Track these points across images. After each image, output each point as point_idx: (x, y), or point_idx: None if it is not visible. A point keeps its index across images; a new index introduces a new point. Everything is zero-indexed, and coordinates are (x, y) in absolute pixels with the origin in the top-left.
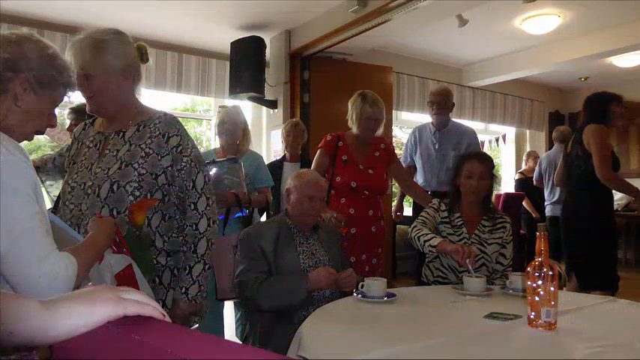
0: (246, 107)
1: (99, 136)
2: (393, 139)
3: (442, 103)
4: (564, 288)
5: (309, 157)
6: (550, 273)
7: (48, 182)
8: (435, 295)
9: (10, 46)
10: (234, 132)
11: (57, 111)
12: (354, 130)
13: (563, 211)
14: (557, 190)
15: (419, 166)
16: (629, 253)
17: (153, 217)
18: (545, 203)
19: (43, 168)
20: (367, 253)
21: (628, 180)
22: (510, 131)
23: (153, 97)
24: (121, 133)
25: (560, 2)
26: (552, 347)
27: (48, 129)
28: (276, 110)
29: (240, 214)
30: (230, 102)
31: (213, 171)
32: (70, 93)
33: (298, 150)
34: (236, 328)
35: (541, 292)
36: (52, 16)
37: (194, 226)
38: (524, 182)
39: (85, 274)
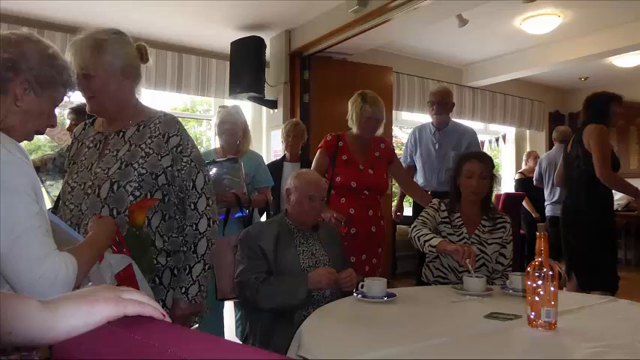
0: (246, 107)
1: (99, 136)
2: (393, 139)
3: (442, 103)
4: (564, 288)
5: (309, 157)
6: (550, 273)
7: (48, 182)
8: (435, 295)
9: (10, 46)
10: (234, 132)
11: (57, 111)
12: (354, 130)
13: (563, 211)
14: (557, 190)
15: (419, 166)
16: (629, 253)
17: (153, 217)
18: (545, 203)
19: (43, 168)
20: (367, 253)
21: (628, 180)
22: (510, 131)
23: (153, 97)
24: (121, 133)
25: (560, 2)
26: (552, 347)
27: (48, 129)
28: (276, 110)
29: (240, 214)
30: (230, 102)
31: (213, 171)
32: (70, 93)
33: (298, 150)
34: (236, 328)
35: (541, 292)
36: (52, 16)
37: (194, 226)
38: (524, 182)
39: (85, 274)
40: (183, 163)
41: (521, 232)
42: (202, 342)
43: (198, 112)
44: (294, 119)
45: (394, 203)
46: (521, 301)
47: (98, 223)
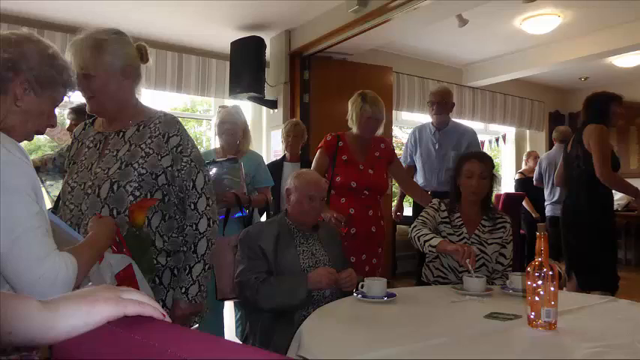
0: (246, 107)
1: (99, 136)
2: (393, 139)
3: (442, 103)
4: (564, 288)
5: (309, 157)
6: (550, 273)
7: (48, 182)
8: (435, 295)
9: (10, 46)
10: (234, 132)
11: (57, 111)
12: (354, 129)
13: (563, 211)
14: (557, 190)
15: (419, 166)
16: (629, 253)
17: (153, 217)
18: (545, 203)
19: (43, 168)
20: (367, 253)
21: (628, 180)
22: (510, 131)
23: (153, 97)
24: (121, 133)
25: (560, 2)
26: (552, 347)
27: (48, 129)
28: (276, 110)
29: (240, 214)
30: (230, 102)
31: (213, 171)
32: (70, 93)
33: (298, 150)
34: (236, 328)
35: (541, 292)
36: (52, 16)
37: (194, 226)
38: (524, 182)
39: (85, 274)
40: (183, 163)
41: (521, 232)
42: (202, 342)
43: (198, 112)
44: (294, 119)
45: (394, 203)
46: (521, 301)
47: (98, 223)
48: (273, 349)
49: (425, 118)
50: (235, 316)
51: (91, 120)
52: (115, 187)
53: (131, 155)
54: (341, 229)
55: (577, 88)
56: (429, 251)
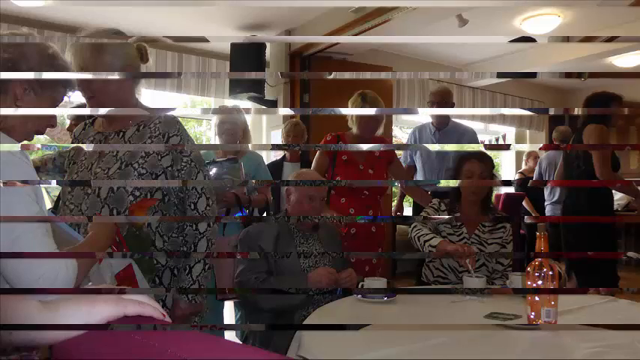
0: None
1: (99, 136)
2: (393, 139)
3: (442, 103)
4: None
5: (309, 157)
6: (550, 273)
7: None
8: (435, 295)
9: (10, 46)
10: (234, 132)
11: None
12: (354, 130)
13: (563, 211)
14: (557, 190)
15: (419, 166)
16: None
17: None
18: (545, 203)
19: (43, 168)
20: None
21: (628, 180)
22: (510, 131)
23: (153, 97)
24: (121, 133)
25: (560, 2)
26: (552, 347)
27: (48, 129)
28: None
29: (240, 214)
30: (230, 102)
31: (213, 171)
32: (70, 93)
33: (298, 150)
34: None
35: None
36: (52, 16)
37: (194, 226)
38: (524, 182)
39: (85, 274)
40: (183, 163)
41: (521, 232)
42: (202, 342)
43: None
44: (294, 119)
45: (394, 203)
46: (521, 301)
47: (98, 223)
48: (273, 349)
49: (425, 118)
50: (235, 316)
51: (91, 120)
52: (115, 187)
53: (131, 155)
54: (341, 229)
55: (577, 88)
56: (429, 251)
